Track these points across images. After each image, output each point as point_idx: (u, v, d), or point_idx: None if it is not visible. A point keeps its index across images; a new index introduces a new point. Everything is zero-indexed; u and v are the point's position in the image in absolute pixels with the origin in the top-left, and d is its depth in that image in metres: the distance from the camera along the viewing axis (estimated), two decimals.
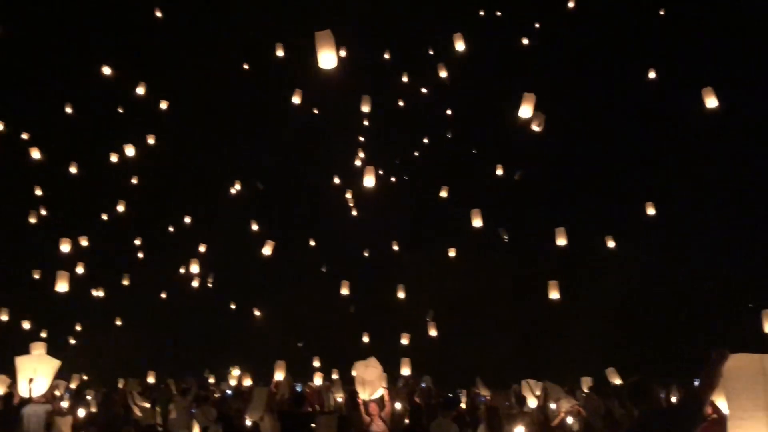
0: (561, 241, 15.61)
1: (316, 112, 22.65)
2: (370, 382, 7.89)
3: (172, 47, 23.24)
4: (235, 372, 21.82)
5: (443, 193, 20.81)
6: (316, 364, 19.35)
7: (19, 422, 8.45)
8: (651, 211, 17.48)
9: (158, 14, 19.17)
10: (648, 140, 24.62)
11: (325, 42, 8.09)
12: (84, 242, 20.82)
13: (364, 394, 7.96)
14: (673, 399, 14.71)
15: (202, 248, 22.34)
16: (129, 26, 23.11)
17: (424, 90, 21.39)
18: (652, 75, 18.52)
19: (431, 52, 19.79)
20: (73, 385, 16.84)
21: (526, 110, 12.06)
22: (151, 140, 20.04)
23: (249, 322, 24.30)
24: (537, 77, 18.91)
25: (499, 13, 19.33)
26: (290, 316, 26.86)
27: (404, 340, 19.65)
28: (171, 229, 25.39)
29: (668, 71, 19.64)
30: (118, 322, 24.77)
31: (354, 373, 8.06)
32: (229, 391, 18.17)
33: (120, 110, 21.46)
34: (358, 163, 21.53)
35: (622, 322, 24.30)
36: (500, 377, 16.53)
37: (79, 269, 19.83)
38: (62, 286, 15.89)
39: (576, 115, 22.92)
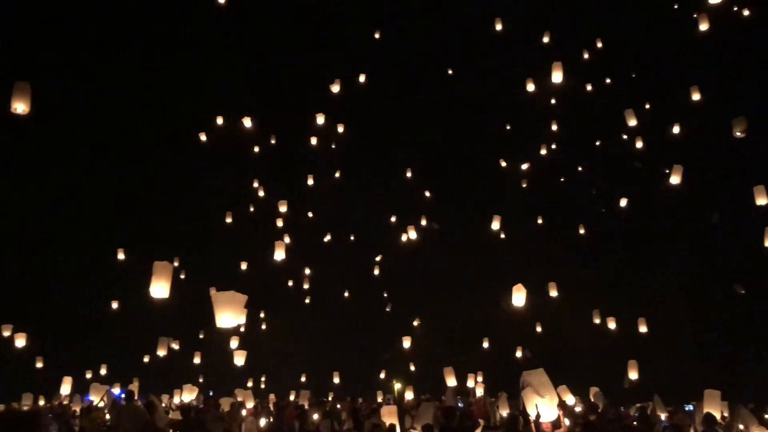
0: (762, 200, 13.37)
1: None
2: (538, 392, 7.63)
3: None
4: (397, 385, 22.14)
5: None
6: (479, 378, 19.22)
7: None
8: None
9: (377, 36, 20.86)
10: None
11: None
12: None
13: (530, 405, 7.71)
14: None
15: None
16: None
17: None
18: None
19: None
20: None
21: None
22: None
23: (411, 335, 24.64)
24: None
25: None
26: (452, 330, 26.84)
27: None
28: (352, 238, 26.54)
29: None
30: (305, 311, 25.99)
31: (523, 382, 7.81)
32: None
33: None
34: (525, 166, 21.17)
35: None
36: (681, 394, 15.33)
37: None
38: (279, 254, 16.78)
39: None
